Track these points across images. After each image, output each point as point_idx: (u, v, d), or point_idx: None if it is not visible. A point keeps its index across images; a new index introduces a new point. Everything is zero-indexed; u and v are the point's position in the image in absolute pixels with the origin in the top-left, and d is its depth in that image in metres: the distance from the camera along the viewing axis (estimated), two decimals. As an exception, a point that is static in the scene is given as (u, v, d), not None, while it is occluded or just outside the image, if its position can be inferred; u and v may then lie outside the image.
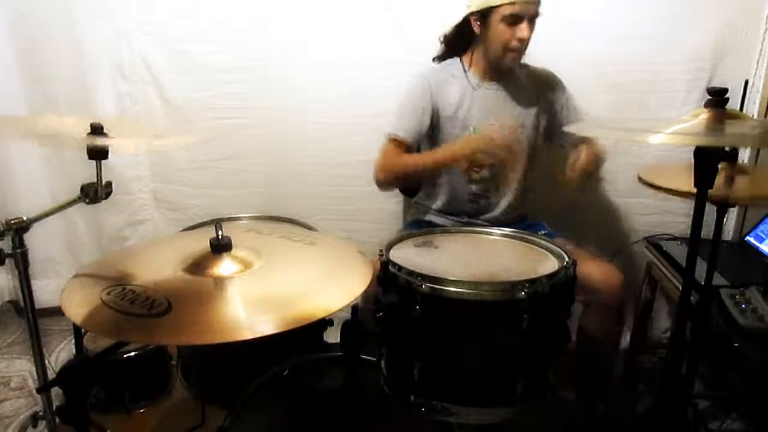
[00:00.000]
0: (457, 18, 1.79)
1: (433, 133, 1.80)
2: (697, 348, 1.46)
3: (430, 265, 1.26)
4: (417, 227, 1.83)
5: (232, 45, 2.14)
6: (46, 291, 2.19)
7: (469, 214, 1.86)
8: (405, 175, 1.84)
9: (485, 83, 1.79)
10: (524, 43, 1.67)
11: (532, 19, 1.65)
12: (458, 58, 1.83)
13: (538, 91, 1.83)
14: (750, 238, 1.91)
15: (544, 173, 1.88)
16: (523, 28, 1.63)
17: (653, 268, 1.95)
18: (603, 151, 1.76)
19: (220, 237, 1.04)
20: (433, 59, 1.88)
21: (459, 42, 1.82)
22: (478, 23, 1.70)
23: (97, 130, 1.25)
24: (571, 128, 1.41)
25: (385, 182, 1.80)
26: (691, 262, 1.13)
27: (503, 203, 1.85)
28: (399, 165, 1.76)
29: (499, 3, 1.62)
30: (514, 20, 1.63)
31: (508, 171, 1.81)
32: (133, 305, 0.90)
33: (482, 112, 1.77)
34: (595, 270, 1.60)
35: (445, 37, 1.85)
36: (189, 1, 2.11)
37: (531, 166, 1.86)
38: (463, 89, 1.78)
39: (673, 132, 1.05)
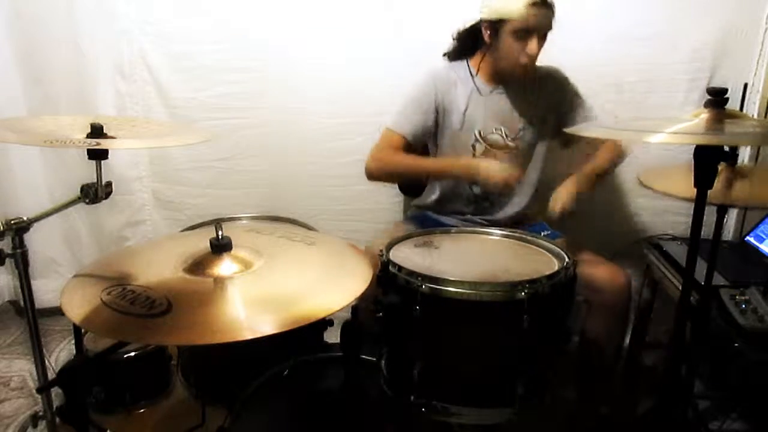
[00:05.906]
0: (457, 19, 1.78)
1: (436, 133, 1.79)
2: (697, 348, 1.46)
3: (430, 265, 1.26)
4: (416, 222, 1.83)
5: (232, 45, 2.14)
6: (46, 291, 2.20)
7: (469, 214, 1.86)
8: (396, 174, 1.84)
9: (492, 88, 1.77)
10: (533, 58, 1.63)
11: (543, 35, 1.62)
12: (466, 61, 1.81)
13: (546, 93, 1.81)
14: (750, 238, 1.91)
15: (557, 177, 1.86)
16: (533, 44, 1.60)
17: (653, 268, 1.95)
18: (622, 150, 1.76)
19: (220, 237, 1.04)
20: (444, 55, 1.85)
21: (469, 43, 1.80)
22: (489, 32, 1.67)
23: (97, 130, 1.25)
24: (572, 129, 1.40)
25: (374, 173, 1.78)
26: (691, 262, 1.13)
27: (510, 209, 1.84)
28: (391, 162, 1.76)
29: (511, 16, 1.58)
30: (524, 35, 1.60)
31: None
32: (133, 305, 0.90)
33: (487, 117, 1.76)
34: (602, 270, 1.60)
35: (458, 33, 1.82)
36: (189, 1, 2.11)
37: (542, 172, 1.85)
38: (470, 93, 1.76)
39: (673, 132, 1.05)
